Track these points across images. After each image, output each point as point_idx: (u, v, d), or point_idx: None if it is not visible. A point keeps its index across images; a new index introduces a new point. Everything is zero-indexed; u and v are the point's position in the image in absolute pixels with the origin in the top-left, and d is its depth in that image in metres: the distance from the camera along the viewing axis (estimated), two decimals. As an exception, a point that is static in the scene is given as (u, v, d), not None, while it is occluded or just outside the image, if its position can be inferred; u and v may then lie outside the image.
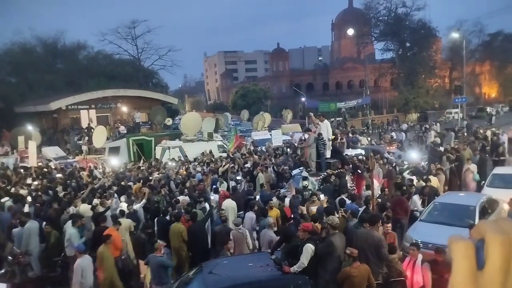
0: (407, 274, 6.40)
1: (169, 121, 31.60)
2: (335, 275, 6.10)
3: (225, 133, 32.83)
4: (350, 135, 23.92)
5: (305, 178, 11.72)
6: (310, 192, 10.60)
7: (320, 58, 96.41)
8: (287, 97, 64.25)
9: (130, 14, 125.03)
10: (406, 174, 12.69)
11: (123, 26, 50.28)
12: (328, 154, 13.78)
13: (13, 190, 13.76)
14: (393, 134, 26.79)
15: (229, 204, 10.26)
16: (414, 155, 15.99)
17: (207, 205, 10.72)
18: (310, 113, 16.65)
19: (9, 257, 9.30)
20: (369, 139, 24.39)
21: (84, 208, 10.47)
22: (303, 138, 20.58)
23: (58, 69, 45.68)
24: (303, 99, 46.49)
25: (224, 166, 15.12)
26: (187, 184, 12.98)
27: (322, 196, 9.67)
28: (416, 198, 10.73)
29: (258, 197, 11.24)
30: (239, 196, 11.20)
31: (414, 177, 12.18)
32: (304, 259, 6.11)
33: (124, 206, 10.58)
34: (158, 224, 9.55)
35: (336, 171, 12.76)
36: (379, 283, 6.35)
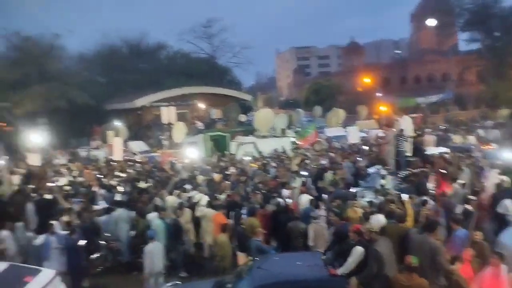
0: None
1: (242, 118, 32.33)
2: (380, 283, 5.80)
3: (298, 129, 32.73)
4: (440, 132, 22.25)
5: (383, 177, 11.29)
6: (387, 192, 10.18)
7: (397, 51, 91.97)
8: (361, 93, 62.23)
9: (206, 13, 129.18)
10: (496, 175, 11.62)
11: (199, 26, 52.32)
12: (408, 151, 13.13)
13: (104, 180, 15.05)
14: (480, 131, 24.67)
15: (306, 199, 10.25)
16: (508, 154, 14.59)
17: (280, 200, 10.81)
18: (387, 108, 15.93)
19: (102, 242, 10.18)
20: (466, 137, 22.15)
21: (172, 200, 11.12)
22: (379, 135, 19.85)
23: (141, 68, 48.76)
24: (378, 94, 44.75)
25: (296, 161, 15.11)
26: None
27: (404, 196, 9.21)
28: (509, 202, 9.78)
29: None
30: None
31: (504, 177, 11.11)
32: (351, 261, 5.97)
33: (205, 198, 11.16)
34: (235, 217, 9.82)
35: (418, 170, 12.12)
36: None
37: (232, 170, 15.49)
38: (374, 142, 18.99)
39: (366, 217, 7.99)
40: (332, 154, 17.16)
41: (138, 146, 26.04)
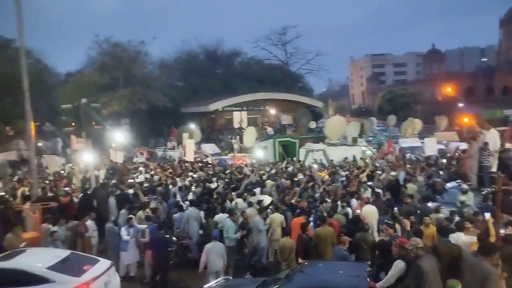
0: None
1: (313, 124, 32.06)
2: None
3: (370, 138, 31.69)
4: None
5: (464, 192, 10.51)
6: (469, 208, 9.46)
7: (483, 59, 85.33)
8: (440, 102, 58.62)
9: (281, 20, 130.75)
10: None
11: (274, 33, 52.97)
12: (494, 167, 12.10)
13: (178, 180, 15.80)
14: None
15: (370, 211, 9.88)
16: None
17: (349, 210, 10.54)
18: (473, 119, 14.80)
19: (174, 238, 10.68)
20: None
21: (241, 203, 11.38)
22: (460, 148, 18.52)
23: (216, 74, 50.61)
24: (460, 104, 41.81)
25: (365, 172, 14.64)
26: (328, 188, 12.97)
27: (487, 215, 8.49)
28: None
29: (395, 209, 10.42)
30: (380, 204, 10.68)
31: None
32: (391, 275, 5.76)
33: (268, 200, 11.26)
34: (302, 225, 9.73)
35: (503, 188, 11.08)
36: None
37: (300, 176, 15.42)
38: (454, 155, 17.79)
39: (441, 232, 7.49)
40: (407, 166, 16.35)
41: (210, 148, 26.98)
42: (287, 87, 47.45)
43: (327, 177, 15.65)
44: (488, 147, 11.81)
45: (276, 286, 6.31)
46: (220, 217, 10.42)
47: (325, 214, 9.82)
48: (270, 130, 29.89)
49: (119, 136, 23.82)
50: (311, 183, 13.49)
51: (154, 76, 41.27)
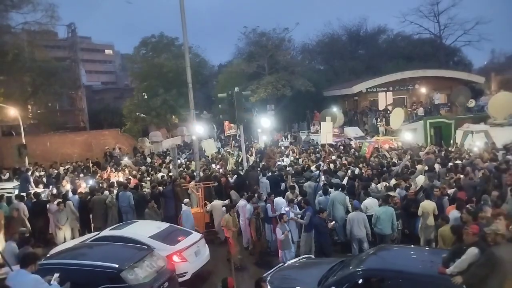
0: None
1: (471, 103, 28.43)
2: None
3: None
4: None
5: None
6: None
7: None
8: None
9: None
10: None
11: (425, 4, 48.25)
12: None
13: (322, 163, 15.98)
14: None
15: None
16: None
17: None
18: None
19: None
20: None
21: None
22: None
23: (359, 54, 48.93)
24: None
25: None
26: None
27: None
28: None
29: None
30: None
31: None
32: (462, 260, 5.52)
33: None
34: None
35: None
36: None
37: (457, 162, 13.97)
38: None
39: None
40: None
41: (353, 131, 26.44)
42: (440, 63, 43.05)
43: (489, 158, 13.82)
44: None
45: (350, 266, 6.52)
46: (370, 202, 10.30)
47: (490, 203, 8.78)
48: (421, 111, 27.61)
49: (265, 122, 25.18)
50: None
51: (297, 61, 42.08)
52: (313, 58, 50.09)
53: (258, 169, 15.22)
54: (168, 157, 22.07)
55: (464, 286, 5.38)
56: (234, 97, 14.71)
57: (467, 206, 8.28)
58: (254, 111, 26.58)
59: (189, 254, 8.98)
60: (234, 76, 37.38)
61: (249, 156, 19.62)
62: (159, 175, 16.53)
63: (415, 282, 5.75)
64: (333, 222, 10.15)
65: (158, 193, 12.80)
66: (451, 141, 20.50)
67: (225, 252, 10.48)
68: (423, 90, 32.14)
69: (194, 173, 15.28)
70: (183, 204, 11.54)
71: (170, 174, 16.25)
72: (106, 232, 9.84)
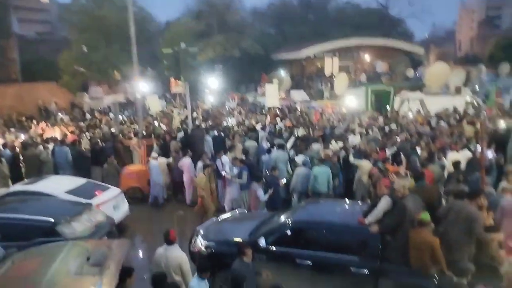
0: None
1: (410, 72, 29.90)
2: (400, 235, 5.83)
3: (476, 88, 28.68)
4: None
5: None
6: None
7: None
8: None
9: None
10: None
11: (373, -28, 48.95)
12: None
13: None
14: None
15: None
16: None
17: (445, 161, 9.91)
18: None
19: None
20: None
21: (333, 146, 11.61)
22: None
23: (309, 20, 48.98)
24: None
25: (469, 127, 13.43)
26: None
27: None
28: None
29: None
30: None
31: None
32: (378, 209, 6.06)
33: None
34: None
35: None
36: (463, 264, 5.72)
37: (393, 126, 14.77)
38: None
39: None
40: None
41: (299, 95, 26.88)
42: (385, 33, 44.35)
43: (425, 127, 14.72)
44: None
45: (280, 218, 6.90)
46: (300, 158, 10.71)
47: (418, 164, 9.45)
48: (363, 77, 28.60)
49: (213, 82, 24.81)
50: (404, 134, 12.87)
51: (247, 23, 41.39)
52: (264, 21, 49.49)
53: (204, 128, 15.12)
54: (110, 113, 21.24)
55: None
56: (180, 53, 14.25)
57: (378, 164, 9.31)
58: (201, 70, 26.08)
59: (107, 208, 9.04)
60: (182, 33, 35.97)
61: (195, 116, 19.37)
62: (99, 131, 15.92)
63: (337, 231, 6.33)
64: (283, 179, 10.44)
65: (99, 150, 12.37)
66: (389, 107, 21.53)
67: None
68: (367, 58, 33.16)
69: (137, 130, 14.87)
70: (150, 158, 11.42)
71: (112, 130, 15.70)
72: (18, 186, 9.54)
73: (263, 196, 9.30)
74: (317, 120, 17.67)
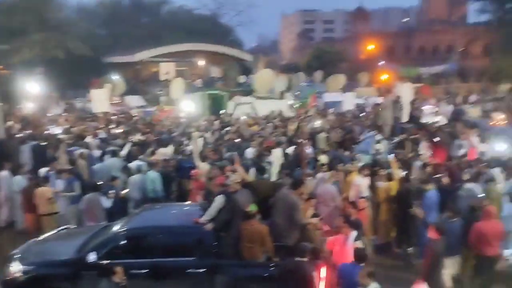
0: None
1: (242, 78, 31.97)
2: (233, 229, 6.22)
3: (297, 93, 32.47)
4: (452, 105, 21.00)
5: (378, 141, 11.35)
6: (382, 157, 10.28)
7: (404, 20, 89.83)
8: (364, 60, 61.31)
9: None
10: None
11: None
12: (404, 118, 13.15)
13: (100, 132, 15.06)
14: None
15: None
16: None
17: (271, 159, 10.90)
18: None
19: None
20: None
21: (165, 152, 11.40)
22: (377, 102, 19.77)
23: (142, 22, 47.71)
24: (381, 62, 44.24)
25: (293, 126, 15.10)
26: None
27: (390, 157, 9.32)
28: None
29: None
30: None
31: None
32: (212, 208, 6.32)
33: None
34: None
35: (411, 136, 12.16)
36: (288, 245, 6.33)
37: (228, 129, 15.52)
38: (371, 109, 18.97)
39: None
40: (329, 118, 17.16)
41: (135, 100, 25.91)
42: (217, 40, 46.28)
43: (256, 128, 15.89)
44: (400, 100, 12.72)
45: (113, 228, 6.60)
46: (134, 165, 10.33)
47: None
48: (198, 82, 29.29)
49: (32, 86, 21.87)
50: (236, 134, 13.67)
51: (72, 21, 37.79)
52: (93, 21, 45.96)
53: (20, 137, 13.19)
54: None
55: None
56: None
57: (215, 162, 9.71)
58: (17, 72, 22.72)
59: None
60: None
61: (10, 124, 16.70)
62: None
63: (173, 234, 6.30)
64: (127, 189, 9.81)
65: None
66: (223, 111, 22.57)
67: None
68: (201, 63, 34.10)
69: None
70: None
71: None
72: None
73: (106, 202, 8.66)
74: (155, 124, 17.32)
